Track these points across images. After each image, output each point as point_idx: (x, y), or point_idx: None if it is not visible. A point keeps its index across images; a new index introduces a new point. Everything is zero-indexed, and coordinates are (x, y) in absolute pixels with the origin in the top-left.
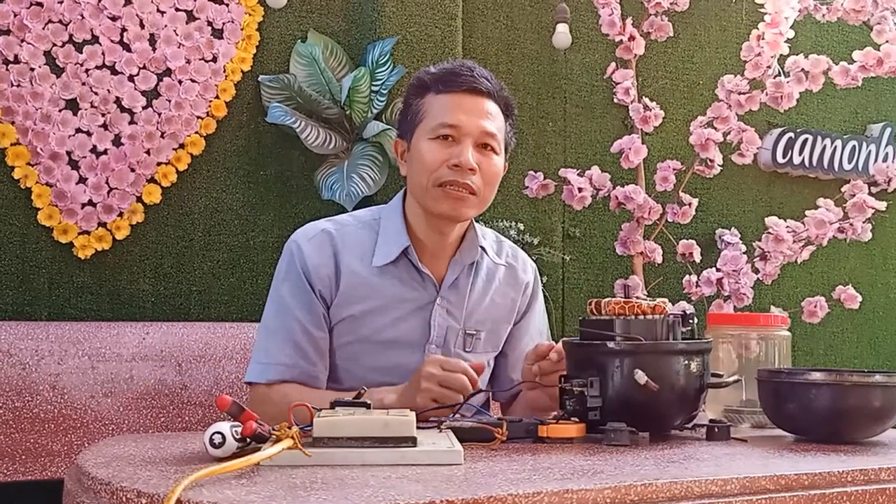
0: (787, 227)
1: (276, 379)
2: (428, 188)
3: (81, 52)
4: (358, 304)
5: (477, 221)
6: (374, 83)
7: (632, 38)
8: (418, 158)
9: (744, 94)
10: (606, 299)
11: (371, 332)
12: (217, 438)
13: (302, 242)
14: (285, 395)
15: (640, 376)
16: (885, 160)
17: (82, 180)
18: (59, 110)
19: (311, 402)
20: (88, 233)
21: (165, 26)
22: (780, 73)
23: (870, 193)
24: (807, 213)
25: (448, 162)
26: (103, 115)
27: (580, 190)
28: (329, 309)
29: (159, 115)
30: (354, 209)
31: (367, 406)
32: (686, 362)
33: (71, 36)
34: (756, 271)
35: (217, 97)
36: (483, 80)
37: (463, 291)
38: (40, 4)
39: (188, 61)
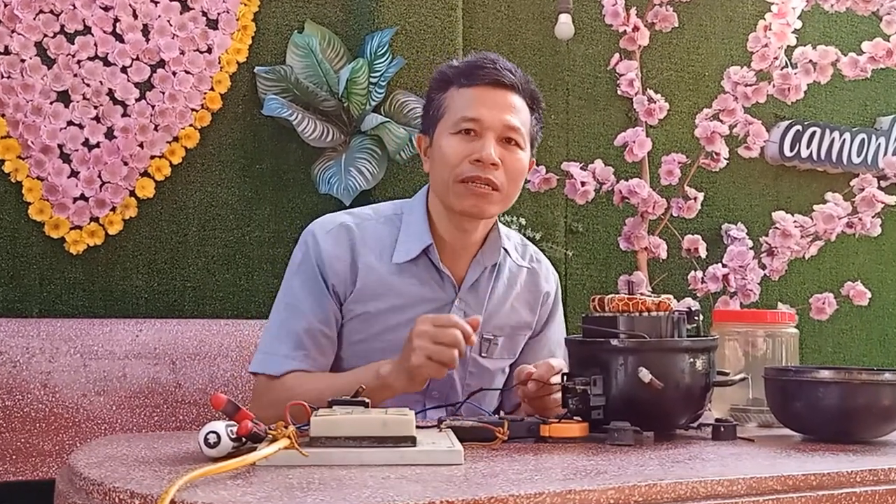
0: (795, 221)
1: (275, 370)
2: (450, 184)
3: (73, 43)
4: (373, 302)
5: None
6: (372, 75)
7: (636, 28)
8: (439, 154)
9: (750, 85)
10: (610, 296)
11: (385, 332)
12: (212, 438)
13: (319, 234)
14: (287, 385)
15: (645, 374)
16: (894, 153)
17: (74, 174)
18: (51, 102)
19: (313, 386)
20: (80, 228)
21: (159, 16)
22: (787, 64)
23: (879, 187)
24: (815, 207)
25: (470, 157)
26: (95, 107)
27: (583, 184)
28: (342, 305)
29: (153, 107)
30: (353, 204)
31: (366, 405)
32: (691, 360)
33: (62, 26)
34: (763, 267)
35: (212, 89)
36: (506, 73)
37: (483, 294)
38: None
39: (182, 52)
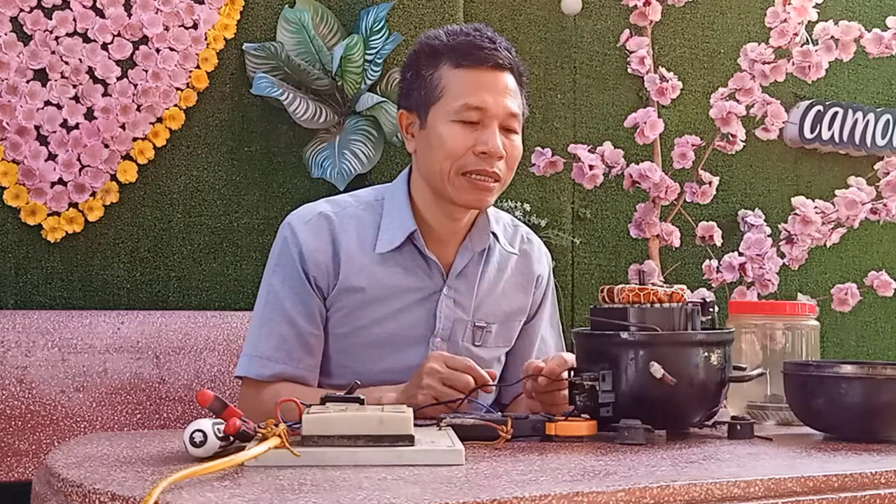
0: (816, 207)
1: (258, 374)
2: (450, 176)
3: (51, 19)
4: (358, 294)
5: None
6: (367, 52)
7: (647, 2)
8: (438, 142)
9: (769, 63)
10: (620, 286)
11: (371, 324)
12: (198, 437)
13: (297, 226)
14: (276, 394)
15: (656, 369)
16: None
17: (52, 157)
18: (27, 81)
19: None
20: (58, 214)
21: None
22: (807, 40)
23: None
24: (837, 192)
25: (474, 149)
26: (75, 86)
27: (591, 168)
28: (325, 299)
29: (135, 86)
30: (347, 188)
31: (361, 402)
32: (706, 354)
33: (39, 1)
34: (782, 256)
35: (198, 67)
36: (505, 53)
37: (472, 280)
38: None
39: (166, 28)
